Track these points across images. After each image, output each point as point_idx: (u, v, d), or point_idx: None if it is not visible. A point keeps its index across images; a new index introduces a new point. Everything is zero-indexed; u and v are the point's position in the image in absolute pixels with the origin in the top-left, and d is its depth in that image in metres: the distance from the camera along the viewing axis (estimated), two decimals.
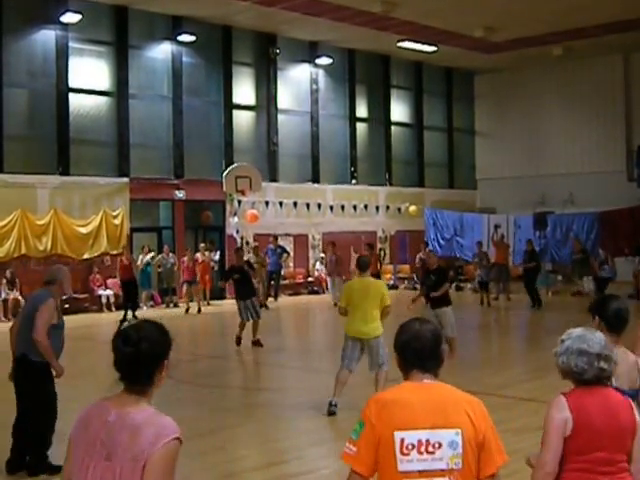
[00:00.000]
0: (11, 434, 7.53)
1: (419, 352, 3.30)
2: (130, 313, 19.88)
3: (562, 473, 3.61)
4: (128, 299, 20.26)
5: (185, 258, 22.88)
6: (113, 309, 22.05)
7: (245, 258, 17.51)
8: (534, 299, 21.52)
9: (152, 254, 23.04)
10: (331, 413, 9.52)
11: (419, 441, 3.12)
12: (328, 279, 24.92)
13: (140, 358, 2.98)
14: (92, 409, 3.05)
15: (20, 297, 20.54)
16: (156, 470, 2.84)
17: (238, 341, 15.26)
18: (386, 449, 3.14)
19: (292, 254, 26.88)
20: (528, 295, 21.73)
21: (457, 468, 3.13)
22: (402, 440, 3.12)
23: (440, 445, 3.12)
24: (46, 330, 7.09)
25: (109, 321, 20.43)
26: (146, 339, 3.00)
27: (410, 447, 3.12)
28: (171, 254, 23.32)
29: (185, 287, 22.64)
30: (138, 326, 3.09)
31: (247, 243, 25.00)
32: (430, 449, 3.12)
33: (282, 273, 25.30)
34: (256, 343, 15.29)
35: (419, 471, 3.12)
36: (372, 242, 25.11)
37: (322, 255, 27.15)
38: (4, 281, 20.44)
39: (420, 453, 3.12)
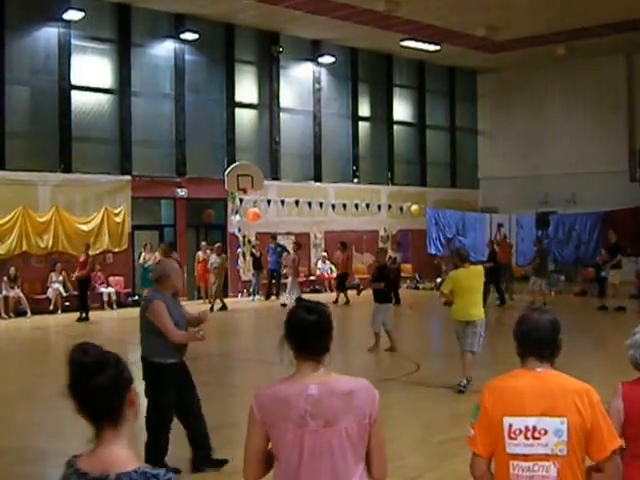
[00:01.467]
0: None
1: (536, 341, 3.50)
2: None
3: (624, 458, 3.71)
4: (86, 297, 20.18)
5: (200, 253, 23.33)
6: (115, 306, 22.03)
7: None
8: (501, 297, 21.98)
9: (156, 253, 23.04)
10: (460, 392, 10.54)
11: (526, 427, 3.36)
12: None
13: (323, 327, 3.31)
14: (284, 388, 3.28)
15: (21, 294, 20.58)
16: (380, 425, 3.29)
17: None
18: (497, 432, 3.40)
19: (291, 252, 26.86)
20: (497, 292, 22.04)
21: (561, 454, 3.34)
22: (510, 425, 3.37)
23: (546, 432, 3.34)
24: (172, 326, 6.94)
25: (111, 318, 20.43)
26: (323, 311, 3.34)
27: (517, 432, 3.36)
28: (173, 252, 23.27)
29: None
30: (311, 301, 3.42)
31: (249, 241, 25.00)
32: (536, 435, 3.34)
33: (282, 272, 25.21)
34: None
35: (524, 455, 3.35)
36: (345, 242, 24.97)
37: (324, 254, 27.14)
38: (5, 278, 20.44)
39: (526, 438, 3.35)
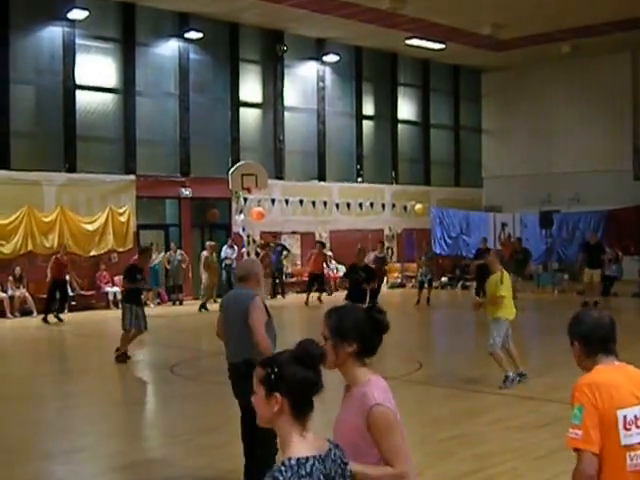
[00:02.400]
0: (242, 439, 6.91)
1: (604, 338, 3.62)
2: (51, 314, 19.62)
3: None
4: (57, 298, 19.85)
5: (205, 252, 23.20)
6: (120, 305, 22.07)
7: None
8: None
9: (162, 254, 23.12)
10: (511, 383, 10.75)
11: (635, 416, 3.45)
12: None
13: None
14: (382, 380, 3.45)
15: (27, 294, 20.65)
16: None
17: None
18: (609, 427, 3.41)
19: (299, 252, 26.93)
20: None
21: None
22: (625, 417, 3.42)
23: None
24: (265, 331, 6.51)
25: (116, 318, 20.47)
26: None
27: (631, 422, 3.43)
28: (179, 251, 23.40)
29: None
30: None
31: (254, 241, 25.04)
32: (639, 423, 3.46)
33: (284, 271, 25.28)
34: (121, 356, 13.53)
35: (638, 443, 3.44)
36: (322, 240, 25.09)
37: (329, 253, 27.19)
38: (11, 278, 20.52)
39: (637, 427, 3.44)
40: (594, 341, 3.61)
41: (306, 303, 22.74)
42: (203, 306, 21.66)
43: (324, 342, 3.43)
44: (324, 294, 23.66)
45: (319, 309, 22.15)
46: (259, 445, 6.47)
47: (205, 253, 23.39)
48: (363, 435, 3.32)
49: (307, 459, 2.63)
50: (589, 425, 3.40)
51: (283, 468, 2.58)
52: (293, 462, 2.61)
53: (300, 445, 2.70)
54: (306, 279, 25.99)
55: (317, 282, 23.83)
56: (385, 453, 3.31)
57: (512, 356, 11.03)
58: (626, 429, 3.41)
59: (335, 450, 2.78)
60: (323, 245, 24.32)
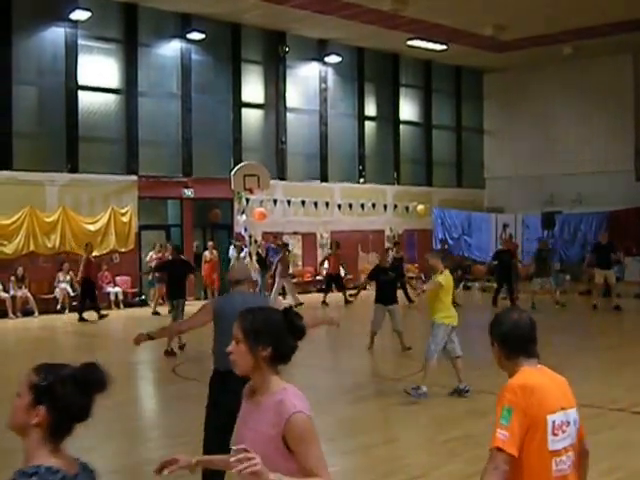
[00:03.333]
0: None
1: (525, 339, 3.55)
2: (87, 313, 20.05)
3: None
4: (90, 298, 20.28)
5: (207, 253, 23.19)
6: (122, 306, 22.11)
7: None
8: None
9: (206, 253, 23.17)
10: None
11: (561, 421, 3.42)
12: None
13: None
14: (301, 392, 3.24)
15: (29, 294, 20.66)
16: None
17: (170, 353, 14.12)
18: (537, 432, 3.35)
19: (300, 252, 26.92)
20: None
21: (574, 442, 3.49)
22: (554, 422, 3.39)
23: (569, 423, 3.46)
24: None
25: (118, 318, 20.50)
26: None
27: (558, 428, 3.40)
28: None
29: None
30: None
31: (255, 241, 25.04)
32: (564, 428, 3.43)
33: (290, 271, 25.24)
34: (170, 353, 14.07)
35: (564, 448, 3.42)
36: (339, 241, 25.04)
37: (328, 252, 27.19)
38: (13, 278, 20.53)
39: (563, 432, 3.42)
40: (514, 342, 3.53)
41: (324, 302, 22.73)
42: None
43: (235, 345, 3.27)
44: (348, 292, 23.33)
45: (347, 308, 22.24)
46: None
47: (208, 254, 23.41)
48: (277, 446, 3.05)
49: (58, 470, 2.50)
50: (516, 428, 3.32)
51: (30, 472, 2.46)
52: (42, 469, 2.49)
53: (50, 457, 2.59)
54: (307, 280, 26.06)
55: (335, 283, 23.74)
56: (308, 463, 3.07)
57: (455, 367, 10.71)
58: (554, 434, 3.38)
59: (88, 472, 2.71)
60: (338, 246, 24.28)
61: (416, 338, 13.90)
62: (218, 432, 6.41)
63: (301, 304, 22.14)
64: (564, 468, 3.42)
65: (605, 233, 22.08)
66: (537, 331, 3.60)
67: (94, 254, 21.93)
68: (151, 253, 23.06)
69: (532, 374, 3.49)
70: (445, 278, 10.54)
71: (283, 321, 3.21)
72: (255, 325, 3.23)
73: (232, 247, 23.68)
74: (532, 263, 22.79)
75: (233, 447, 2.83)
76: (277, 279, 22.88)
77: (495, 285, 23.15)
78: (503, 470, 3.35)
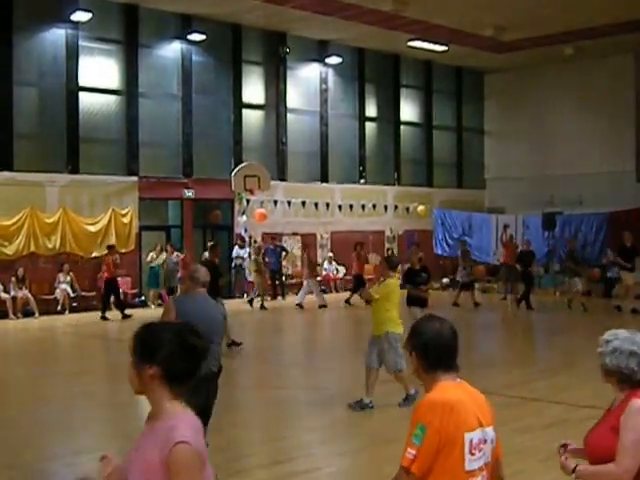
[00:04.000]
0: None
1: (444, 351, 3.34)
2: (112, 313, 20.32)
3: None
4: (116, 298, 20.72)
5: (179, 254, 22.99)
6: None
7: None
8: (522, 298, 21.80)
9: (165, 254, 23.12)
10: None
11: (479, 440, 3.26)
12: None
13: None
14: (198, 422, 2.99)
15: (29, 295, 20.65)
16: None
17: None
18: (452, 451, 3.18)
19: (300, 253, 26.91)
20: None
21: (489, 461, 3.33)
22: (471, 441, 3.22)
23: (485, 441, 3.30)
24: None
25: (118, 319, 20.48)
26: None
27: (475, 446, 3.24)
28: (176, 253, 23.30)
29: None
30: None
31: (255, 242, 25.05)
32: (481, 446, 3.27)
33: (282, 272, 25.27)
34: (232, 344, 14.70)
35: (479, 468, 3.27)
36: (362, 242, 25.03)
37: (330, 255, 27.22)
38: (13, 279, 20.53)
39: (480, 451, 3.27)
40: (434, 354, 3.32)
41: (347, 302, 22.98)
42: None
43: (129, 362, 3.08)
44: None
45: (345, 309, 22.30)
46: None
47: (206, 254, 23.36)
48: (161, 475, 2.81)
49: None
50: (426, 449, 3.17)
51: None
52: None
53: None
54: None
55: (360, 283, 23.69)
56: None
57: (372, 379, 9.90)
58: (471, 454, 3.21)
59: None
60: (362, 246, 24.32)
61: None
62: None
63: (325, 306, 22.29)
64: None
65: (630, 234, 21.66)
66: (458, 342, 3.38)
67: (94, 255, 22.03)
68: (152, 254, 23.06)
69: (451, 389, 3.29)
70: (383, 288, 9.90)
71: (175, 339, 2.94)
72: (141, 342, 3.01)
73: (236, 247, 23.67)
74: (564, 263, 22.79)
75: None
76: (304, 281, 23.37)
77: (495, 286, 23.18)
78: None
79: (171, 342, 2.93)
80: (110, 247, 21.12)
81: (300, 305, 22.39)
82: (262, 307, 22.61)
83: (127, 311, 20.54)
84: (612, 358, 3.73)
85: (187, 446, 2.80)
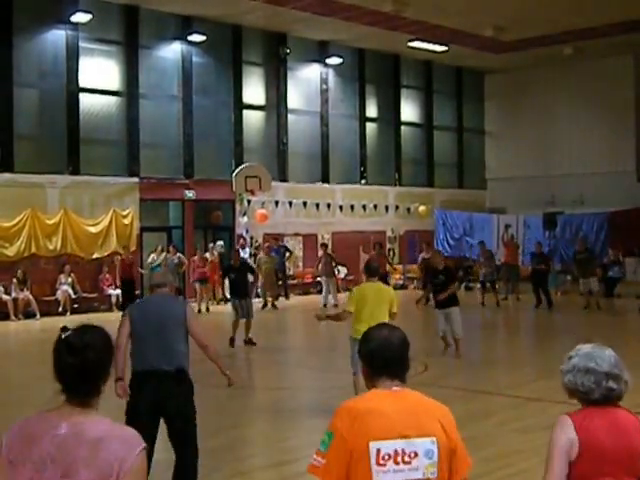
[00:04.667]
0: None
1: (389, 359, 3.22)
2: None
3: None
4: (128, 298, 20.44)
5: (195, 257, 22.94)
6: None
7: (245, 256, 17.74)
8: (548, 300, 21.47)
9: (164, 254, 23.11)
10: None
11: (395, 451, 3.03)
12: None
13: (87, 368, 2.73)
14: (35, 422, 2.76)
15: (30, 296, 20.65)
16: None
17: (232, 342, 15.28)
18: (360, 461, 3.02)
19: (301, 254, 26.93)
20: (543, 296, 21.59)
21: (433, 477, 3.06)
22: (378, 451, 3.03)
23: (416, 454, 3.05)
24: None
25: (119, 320, 20.48)
26: (92, 347, 2.74)
27: (386, 457, 3.03)
28: (178, 254, 23.28)
29: (197, 286, 22.58)
30: (82, 333, 2.80)
31: (257, 242, 25.05)
32: (406, 459, 3.04)
33: (287, 272, 25.28)
34: (249, 342, 15.50)
35: None
36: (381, 241, 25.05)
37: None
38: (15, 280, 20.52)
39: (397, 463, 3.03)
40: (377, 362, 3.22)
41: None
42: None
43: None
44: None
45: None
46: (184, 448, 6.55)
47: (209, 256, 23.35)
48: None
49: None
50: (332, 456, 3.06)
51: None
52: None
53: None
54: (308, 281, 26.10)
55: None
56: None
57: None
58: (379, 464, 3.01)
59: None
60: (381, 246, 24.33)
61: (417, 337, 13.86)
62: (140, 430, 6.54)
63: (336, 306, 22.25)
64: None
65: None
66: (407, 352, 3.30)
67: (95, 256, 22.01)
68: (152, 255, 23.05)
69: (371, 397, 3.19)
70: (350, 298, 9.57)
71: (56, 345, 2.82)
72: None
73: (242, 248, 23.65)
74: (573, 265, 22.77)
75: None
76: (323, 280, 23.46)
77: (496, 286, 23.18)
78: None
79: (55, 348, 2.82)
80: (124, 247, 21.66)
81: (325, 305, 22.45)
82: (273, 306, 22.81)
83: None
84: (570, 376, 3.49)
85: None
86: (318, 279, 24.95)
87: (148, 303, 7.08)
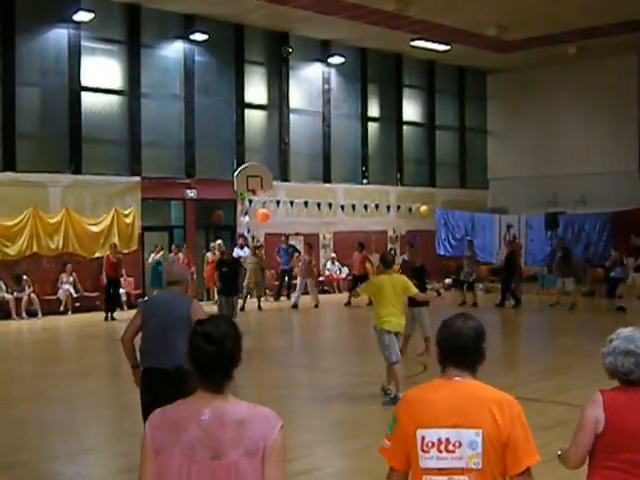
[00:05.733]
0: None
1: (457, 349, 3.32)
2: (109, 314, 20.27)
3: (593, 469, 3.73)
4: (111, 298, 20.56)
5: (180, 255, 22.88)
6: (125, 307, 22.06)
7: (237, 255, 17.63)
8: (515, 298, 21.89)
9: (163, 252, 23.08)
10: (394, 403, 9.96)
11: (439, 440, 3.18)
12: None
13: (224, 355, 2.98)
14: (177, 411, 2.99)
15: (33, 295, 20.64)
16: (277, 459, 2.90)
17: None
18: (411, 445, 3.24)
19: (302, 253, 26.90)
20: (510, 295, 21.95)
21: (476, 468, 3.16)
22: (423, 438, 3.20)
23: (460, 444, 3.17)
24: None
25: (120, 319, 20.47)
26: (228, 336, 2.99)
27: (430, 445, 3.19)
28: (180, 254, 23.25)
29: None
30: (217, 324, 3.05)
31: (258, 241, 25.03)
32: (450, 448, 3.17)
33: (293, 273, 25.23)
34: None
35: (438, 469, 3.18)
36: (362, 241, 24.88)
37: (333, 255, 27.20)
38: (17, 279, 20.51)
39: (440, 451, 3.18)
40: (446, 350, 3.34)
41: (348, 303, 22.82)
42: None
43: None
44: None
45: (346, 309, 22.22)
46: None
47: (211, 255, 23.33)
48: None
49: None
50: (395, 439, 3.31)
51: None
52: None
53: None
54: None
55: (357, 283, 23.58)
56: None
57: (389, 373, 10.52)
58: (423, 450, 3.20)
59: None
60: (362, 246, 24.20)
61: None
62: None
63: (316, 306, 22.25)
64: None
65: None
66: (480, 342, 3.37)
67: (97, 255, 21.98)
68: (153, 254, 23.04)
69: (429, 386, 3.37)
70: (366, 286, 10.55)
71: (194, 336, 3.08)
72: None
73: (236, 248, 23.65)
74: (553, 264, 22.88)
75: None
76: (299, 280, 23.22)
77: (497, 286, 23.19)
78: None
79: (188, 343, 3.04)
80: (110, 245, 21.33)
81: (296, 306, 22.40)
82: (259, 307, 22.45)
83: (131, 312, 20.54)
84: (611, 358, 3.79)
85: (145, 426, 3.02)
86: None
87: (158, 300, 7.25)
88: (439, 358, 3.39)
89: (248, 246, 23.69)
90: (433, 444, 3.18)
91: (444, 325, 3.40)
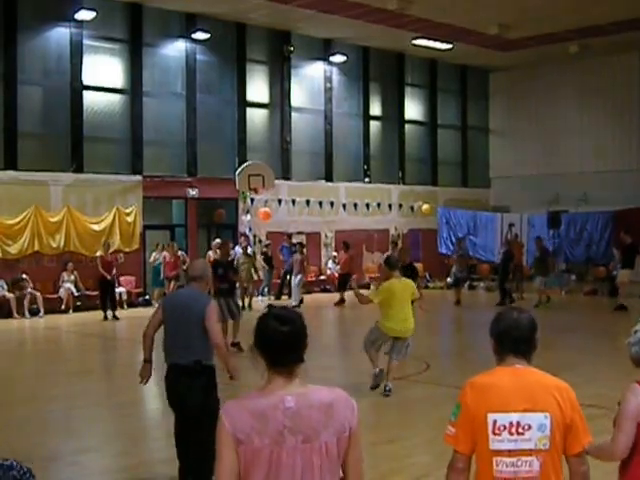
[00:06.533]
0: (177, 454, 6.85)
1: (517, 339, 3.54)
2: (110, 313, 20.11)
3: (634, 457, 3.81)
4: (106, 297, 20.34)
5: (165, 253, 22.83)
6: (125, 306, 22.05)
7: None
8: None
9: (165, 253, 23.06)
10: (386, 395, 10.58)
11: (510, 423, 3.39)
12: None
13: (297, 337, 3.06)
14: (258, 400, 3.03)
15: (37, 293, 20.64)
16: (358, 440, 3.08)
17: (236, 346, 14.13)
18: (480, 429, 3.41)
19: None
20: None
21: (545, 449, 3.40)
22: (495, 421, 3.40)
23: (530, 427, 3.39)
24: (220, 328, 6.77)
25: (122, 318, 20.47)
26: (298, 317, 3.10)
27: (502, 428, 3.40)
28: (180, 252, 23.23)
29: (172, 284, 22.30)
30: (283, 307, 3.17)
31: (260, 241, 25.02)
32: (520, 430, 3.39)
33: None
34: (235, 345, 13.87)
35: (509, 450, 3.39)
36: (348, 242, 24.73)
37: (335, 254, 27.17)
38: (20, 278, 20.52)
39: (511, 434, 3.39)
40: (505, 341, 3.57)
41: (338, 303, 22.78)
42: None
43: None
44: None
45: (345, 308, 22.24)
46: (195, 448, 6.50)
47: (212, 254, 23.31)
48: None
49: None
50: (460, 424, 3.47)
51: None
52: None
53: None
54: (311, 279, 26.05)
55: (343, 282, 23.49)
56: None
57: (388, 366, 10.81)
58: (494, 434, 3.40)
59: None
60: (347, 246, 24.07)
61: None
62: (180, 423, 6.81)
63: (298, 305, 22.00)
64: (507, 471, 3.40)
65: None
66: (535, 333, 3.59)
67: (99, 254, 21.93)
68: (154, 254, 23.02)
69: (492, 373, 3.57)
70: (381, 292, 10.50)
71: (265, 319, 3.17)
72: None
73: (237, 247, 23.63)
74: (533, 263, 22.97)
75: None
76: (294, 277, 23.00)
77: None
78: (455, 468, 3.50)
79: (257, 328, 3.10)
80: (103, 244, 21.12)
81: (299, 304, 22.25)
82: (249, 307, 21.85)
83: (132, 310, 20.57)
84: (637, 347, 3.98)
85: (221, 417, 3.03)
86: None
87: (178, 296, 7.27)
88: (495, 348, 3.61)
89: (250, 245, 23.64)
90: (505, 427, 3.39)
91: (500, 318, 3.63)
